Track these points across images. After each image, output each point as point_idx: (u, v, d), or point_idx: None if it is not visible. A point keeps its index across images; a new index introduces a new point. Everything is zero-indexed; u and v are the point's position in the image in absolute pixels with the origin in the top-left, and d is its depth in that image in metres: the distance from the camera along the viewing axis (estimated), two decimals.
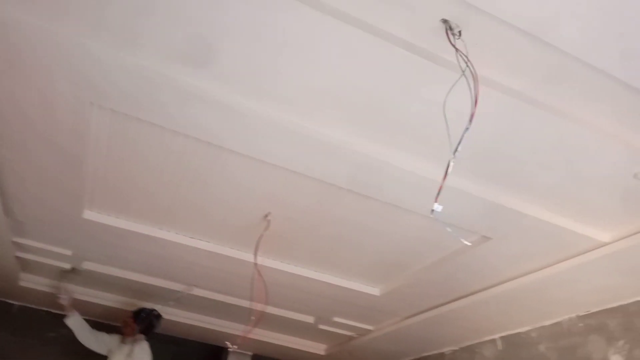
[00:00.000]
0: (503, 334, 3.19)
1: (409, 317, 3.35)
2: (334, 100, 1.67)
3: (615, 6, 1.23)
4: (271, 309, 3.33)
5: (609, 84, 1.43)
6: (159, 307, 3.63)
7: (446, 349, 3.68)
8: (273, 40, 1.46)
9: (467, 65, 1.32)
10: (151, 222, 2.67)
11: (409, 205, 2.17)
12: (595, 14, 1.25)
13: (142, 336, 3.53)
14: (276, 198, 2.29)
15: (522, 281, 2.53)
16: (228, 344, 2.88)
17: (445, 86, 1.39)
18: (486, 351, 3.31)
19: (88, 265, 3.30)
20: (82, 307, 3.80)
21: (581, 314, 2.70)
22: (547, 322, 2.89)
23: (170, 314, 3.82)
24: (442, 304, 3.04)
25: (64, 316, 3.54)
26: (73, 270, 3.37)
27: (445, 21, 1.31)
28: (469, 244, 2.07)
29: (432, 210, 1.31)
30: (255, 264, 2.53)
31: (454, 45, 1.31)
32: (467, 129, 1.30)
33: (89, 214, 2.59)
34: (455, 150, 1.32)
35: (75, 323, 3.49)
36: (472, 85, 1.32)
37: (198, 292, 3.48)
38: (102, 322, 3.95)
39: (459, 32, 1.31)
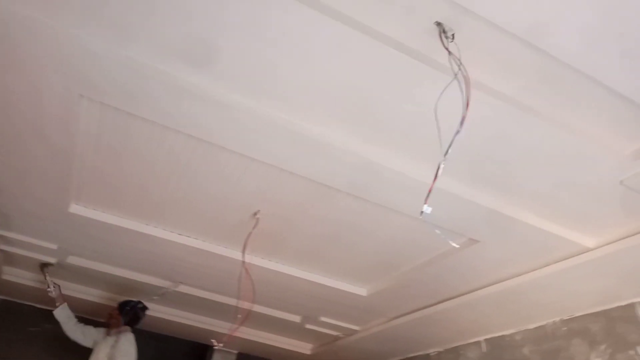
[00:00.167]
0: (488, 336, 3.22)
1: (395, 318, 3.36)
2: (326, 99, 1.67)
3: (606, 14, 1.25)
4: (258, 308, 3.33)
5: (597, 91, 1.45)
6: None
7: (431, 350, 3.70)
8: (268, 37, 1.46)
9: (460, 69, 1.33)
10: (139, 218, 2.64)
11: (398, 206, 2.17)
12: (586, 21, 1.27)
13: (127, 328, 3.51)
14: (266, 196, 2.28)
15: (508, 284, 2.55)
16: (214, 341, 2.86)
17: (438, 88, 1.39)
18: (471, 353, 3.34)
19: (73, 260, 3.27)
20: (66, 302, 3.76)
21: (565, 317, 2.73)
22: (531, 326, 2.92)
23: (156, 310, 3.80)
24: (428, 306, 3.06)
25: (47, 311, 3.49)
26: (54, 265, 3.34)
27: (439, 24, 1.31)
28: (457, 246, 2.08)
29: (422, 212, 1.31)
30: (243, 262, 2.52)
31: (447, 48, 1.32)
32: (458, 131, 1.31)
33: (76, 208, 2.56)
34: (446, 152, 1.32)
35: (63, 314, 3.46)
36: (464, 89, 1.32)
37: (184, 289, 3.46)
38: (85, 317, 3.90)
39: (453, 35, 1.32)
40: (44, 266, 3.36)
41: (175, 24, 1.45)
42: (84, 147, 2.08)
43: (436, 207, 1.32)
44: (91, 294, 3.83)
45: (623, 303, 2.45)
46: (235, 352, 4.72)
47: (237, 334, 2.84)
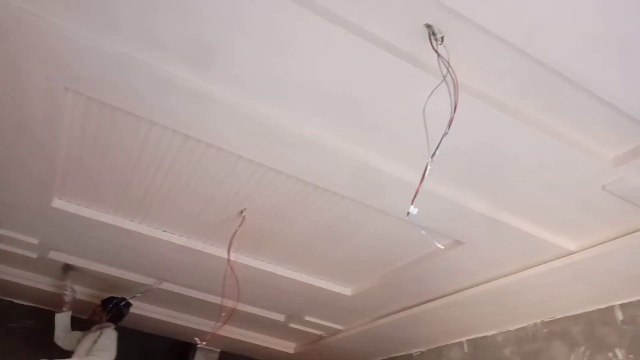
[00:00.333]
0: (470, 337, 3.25)
1: (379, 318, 3.37)
2: (315, 98, 1.67)
3: (591, 22, 1.27)
4: (242, 306, 3.31)
5: (582, 97, 1.48)
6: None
7: (414, 351, 3.72)
8: (255, 32, 1.45)
9: (448, 71, 1.34)
10: (123, 214, 2.62)
11: (385, 206, 2.18)
12: (572, 28, 1.29)
13: (110, 324, 3.47)
14: (252, 194, 2.27)
15: (491, 286, 2.58)
16: (197, 340, 2.84)
17: (426, 90, 1.40)
18: (453, 353, 3.37)
19: (55, 255, 3.22)
20: (45, 299, 3.70)
21: (546, 319, 2.77)
22: (513, 327, 2.95)
23: (139, 308, 3.75)
24: (412, 306, 3.07)
25: (27, 307, 3.43)
26: (76, 269, 3.32)
27: (429, 26, 1.32)
28: (442, 247, 2.10)
29: (408, 213, 1.32)
30: (229, 260, 2.51)
31: (436, 51, 1.33)
32: (445, 133, 1.32)
33: (59, 203, 2.52)
34: (433, 154, 1.33)
35: (63, 321, 3.44)
36: (452, 91, 1.34)
37: (168, 286, 3.43)
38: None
39: (442, 37, 1.33)
40: (67, 268, 3.33)
41: (164, 16, 1.43)
42: (68, 141, 2.05)
43: (422, 208, 1.32)
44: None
45: (602, 306, 2.49)
46: (218, 350, 4.69)
47: (220, 332, 2.83)
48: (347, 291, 3.12)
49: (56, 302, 3.58)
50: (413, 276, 2.71)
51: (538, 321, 2.81)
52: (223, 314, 2.61)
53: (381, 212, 2.24)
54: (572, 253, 2.23)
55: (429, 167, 1.33)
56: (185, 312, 3.95)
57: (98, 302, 3.59)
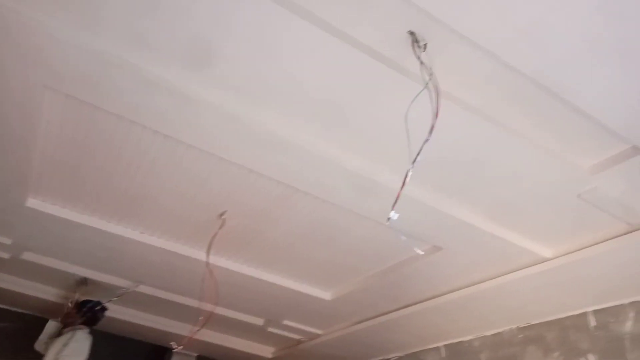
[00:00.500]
0: (447, 342, 3.27)
1: (358, 323, 3.38)
2: (296, 100, 1.67)
3: (568, 31, 1.30)
4: (220, 310, 3.27)
5: (559, 106, 1.51)
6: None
7: (392, 355, 3.73)
8: (240, 34, 1.45)
9: (430, 79, 1.35)
10: (100, 214, 2.57)
11: (365, 211, 2.19)
12: (550, 39, 1.32)
13: (83, 327, 3.39)
14: (233, 197, 2.26)
15: (468, 291, 2.61)
16: (173, 344, 2.80)
17: (408, 96, 1.41)
18: (430, 358, 3.39)
19: (29, 256, 3.13)
20: (18, 300, 3.60)
21: (521, 325, 2.81)
22: (489, 332, 2.99)
23: (114, 311, 3.68)
24: (391, 311, 3.09)
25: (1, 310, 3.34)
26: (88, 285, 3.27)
27: (412, 33, 1.34)
28: (421, 252, 2.11)
29: (389, 218, 1.33)
30: (207, 263, 2.49)
31: (418, 58, 1.35)
32: (426, 140, 1.33)
33: (33, 202, 2.46)
34: (414, 160, 1.34)
35: (51, 329, 3.36)
36: (433, 98, 1.35)
37: (144, 289, 3.37)
38: (39, 316, 3.76)
39: (425, 45, 1.34)
40: (81, 283, 3.29)
41: (147, 14, 1.42)
42: (45, 139, 2.01)
43: (403, 213, 1.34)
44: (47, 292, 3.68)
45: (576, 312, 2.54)
46: (195, 354, 4.63)
47: (197, 336, 2.79)
48: (326, 295, 3.11)
49: (31, 304, 3.50)
50: (392, 281, 2.73)
51: (514, 327, 2.85)
52: (201, 318, 2.58)
53: (362, 216, 2.24)
54: (547, 260, 2.27)
55: (410, 173, 1.34)
56: (161, 315, 3.89)
57: (72, 304, 3.51)
